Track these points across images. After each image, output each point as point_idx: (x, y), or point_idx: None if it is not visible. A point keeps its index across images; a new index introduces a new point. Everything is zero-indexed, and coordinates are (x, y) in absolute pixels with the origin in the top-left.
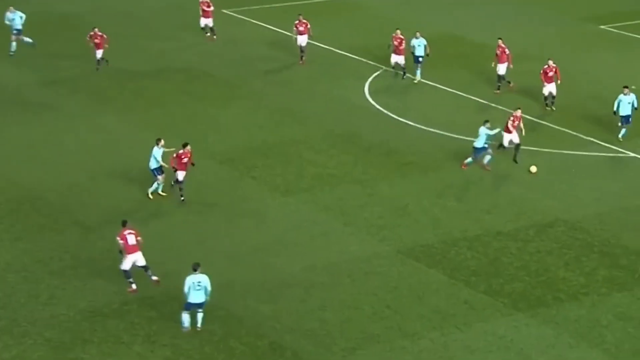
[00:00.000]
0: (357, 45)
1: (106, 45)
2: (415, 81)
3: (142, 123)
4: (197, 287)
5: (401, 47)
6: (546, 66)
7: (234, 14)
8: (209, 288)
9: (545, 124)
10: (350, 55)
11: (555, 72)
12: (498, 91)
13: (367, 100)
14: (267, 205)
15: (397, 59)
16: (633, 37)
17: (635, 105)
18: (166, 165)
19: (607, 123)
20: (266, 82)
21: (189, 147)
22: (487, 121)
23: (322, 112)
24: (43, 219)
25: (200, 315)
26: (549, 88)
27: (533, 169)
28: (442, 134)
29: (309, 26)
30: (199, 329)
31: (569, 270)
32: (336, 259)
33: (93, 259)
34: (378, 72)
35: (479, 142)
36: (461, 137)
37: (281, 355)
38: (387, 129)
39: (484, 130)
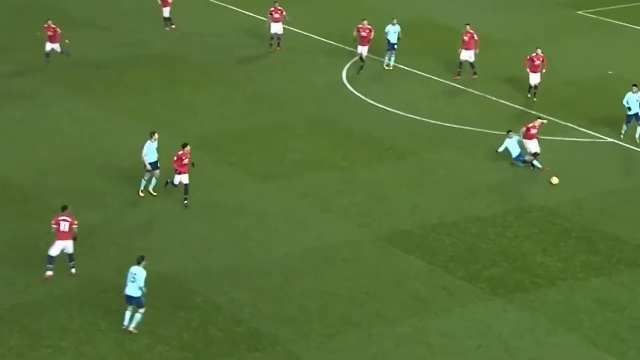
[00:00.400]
0: (334, 31)
1: (66, 40)
2: (390, 67)
3: (118, 109)
4: (132, 279)
5: (369, 38)
6: (534, 54)
7: (211, 0)
8: (142, 284)
9: (522, 109)
10: (327, 41)
11: (542, 61)
12: (475, 76)
13: (345, 86)
14: (245, 191)
15: (362, 50)
16: (610, 22)
17: None
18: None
19: (584, 108)
20: (243, 67)
21: (188, 148)
22: (509, 131)
23: (299, 98)
24: (19, 206)
25: (137, 316)
26: (534, 78)
27: (554, 180)
28: (420, 120)
29: (284, 13)
30: (133, 331)
31: (546, 255)
32: (315, 245)
33: None
34: (355, 58)
35: (514, 152)
36: (439, 122)
37: (259, 341)
38: (365, 115)
39: (510, 142)
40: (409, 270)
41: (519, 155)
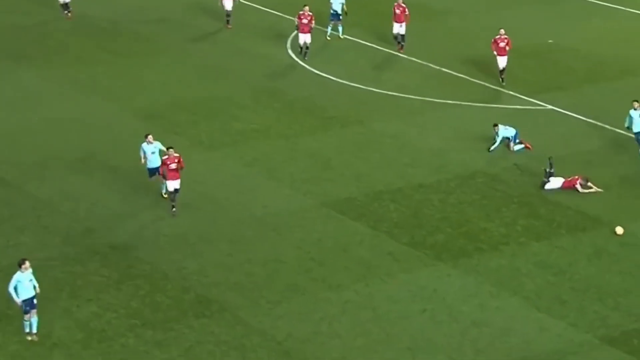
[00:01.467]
0: (279, 1)
1: None
2: (331, 38)
3: (64, 80)
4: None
5: (311, 25)
6: (497, 36)
7: None
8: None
9: (463, 77)
10: (271, 11)
11: (507, 43)
12: (401, 50)
13: (290, 56)
14: (192, 161)
15: (305, 37)
16: None
17: None
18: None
19: (525, 76)
20: (188, 39)
21: (172, 150)
22: (495, 125)
23: (245, 68)
24: None
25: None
26: (502, 62)
27: (619, 230)
28: (364, 89)
29: None
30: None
31: (489, 220)
32: (261, 213)
33: (15, 216)
34: (294, 34)
35: (508, 132)
36: (382, 91)
37: (208, 308)
38: (310, 84)
39: (501, 132)
40: (355, 236)
41: (514, 137)
